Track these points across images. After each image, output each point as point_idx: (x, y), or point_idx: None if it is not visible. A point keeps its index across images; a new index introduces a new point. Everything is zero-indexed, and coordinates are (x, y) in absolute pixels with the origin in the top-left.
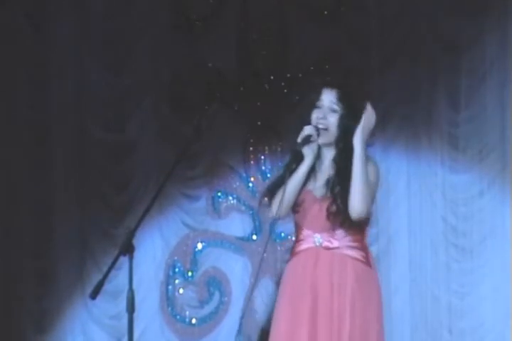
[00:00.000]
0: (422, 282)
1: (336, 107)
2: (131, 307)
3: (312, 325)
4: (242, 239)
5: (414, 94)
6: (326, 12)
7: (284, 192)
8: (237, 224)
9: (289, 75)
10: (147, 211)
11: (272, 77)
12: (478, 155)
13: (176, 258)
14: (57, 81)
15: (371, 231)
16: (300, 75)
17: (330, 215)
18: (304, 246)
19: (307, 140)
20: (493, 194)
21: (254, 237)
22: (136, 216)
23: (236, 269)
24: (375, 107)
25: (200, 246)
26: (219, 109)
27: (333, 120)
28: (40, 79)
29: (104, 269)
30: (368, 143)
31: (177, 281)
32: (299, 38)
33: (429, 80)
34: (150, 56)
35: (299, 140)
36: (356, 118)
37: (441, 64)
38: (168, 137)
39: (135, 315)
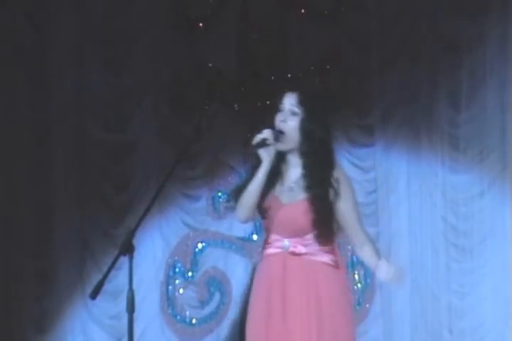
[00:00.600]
0: (422, 282)
1: (296, 110)
2: (131, 308)
3: (282, 329)
4: (242, 239)
5: (414, 94)
6: (326, 12)
7: (245, 197)
8: (237, 224)
9: (289, 75)
10: (147, 211)
11: (272, 77)
12: (479, 155)
13: (176, 258)
14: (58, 81)
15: (372, 231)
16: (300, 75)
17: (298, 221)
18: (271, 250)
19: (262, 143)
20: (494, 194)
21: (255, 237)
22: (136, 216)
23: (236, 269)
24: (375, 107)
25: (200, 246)
26: (219, 109)
27: (292, 124)
28: (40, 79)
29: (104, 269)
30: (368, 143)
31: (177, 281)
32: (299, 38)
33: (430, 80)
34: (150, 56)
35: (254, 143)
36: (317, 122)
37: (441, 64)
38: (168, 137)
39: (135, 315)
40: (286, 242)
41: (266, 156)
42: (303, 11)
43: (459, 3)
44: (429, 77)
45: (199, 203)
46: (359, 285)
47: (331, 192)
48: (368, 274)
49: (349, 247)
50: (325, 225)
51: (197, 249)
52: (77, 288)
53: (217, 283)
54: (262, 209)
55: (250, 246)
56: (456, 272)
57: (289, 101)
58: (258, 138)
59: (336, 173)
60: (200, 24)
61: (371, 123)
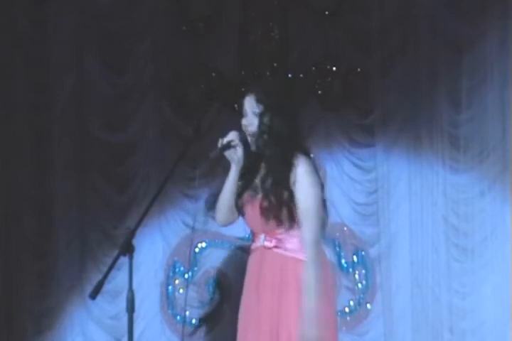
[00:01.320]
0: (423, 282)
1: (256, 110)
2: (131, 308)
3: (256, 324)
4: (242, 239)
5: (414, 94)
6: (326, 12)
7: (220, 200)
8: (237, 224)
9: (290, 75)
10: (147, 211)
11: (272, 77)
12: (479, 155)
13: (176, 258)
14: (58, 81)
15: (372, 231)
16: (301, 75)
17: (263, 211)
18: (253, 246)
19: (227, 145)
20: (494, 194)
21: None
22: (136, 216)
23: (236, 269)
24: (375, 107)
25: (200, 246)
26: (219, 109)
27: (257, 123)
28: (40, 79)
29: (104, 269)
30: (368, 143)
31: (177, 281)
32: (299, 38)
33: (430, 81)
34: (150, 56)
35: (219, 145)
36: (275, 117)
37: (441, 64)
38: (169, 137)
39: (135, 315)
40: (262, 237)
41: (233, 158)
42: (303, 11)
43: (459, 3)
44: (429, 77)
45: (199, 203)
46: (359, 285)
47: (291, 177)
48: (369, 274)
49: (349, 247)
50: (282, 218)
51: (197, 249)
52: (76, 288)
53: (217, 283)
54: (238, 208)
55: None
56: (457, 272)
57: (249, 104)
58: (224, 140)
59: (295, 162)
60: (201, 24)
61: (371, 124)
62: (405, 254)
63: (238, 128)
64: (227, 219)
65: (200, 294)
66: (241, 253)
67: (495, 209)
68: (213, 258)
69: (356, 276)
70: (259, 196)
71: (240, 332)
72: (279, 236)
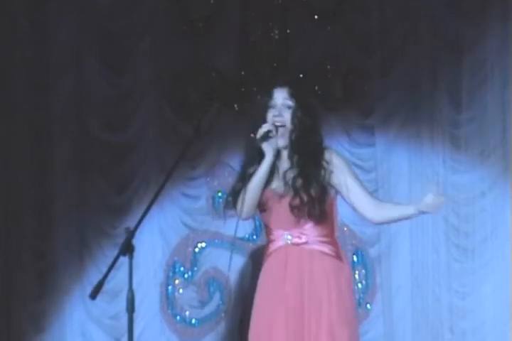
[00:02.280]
0: (423, 282)
1: (290, 103)
2: (131, 308)
3: (287, 324)
4: (242, 239)
5: (415, 94)
6: (326, 12)
7: (246, 191)
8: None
9: (289, 76)
10: (147, 211)
11: (272, 77)
12: (480, 155)
13: (176, 258)
14: (58, 81)
15: (372, 231)
16: (301, 75)
17: (294, 209)
18: (275, 245)
19: (266, 136)
20: (495, 194)
21: (255, 237)
22: (136, 216)
23: (236, 269)
24: (376, 107)
25: (200, 246)
26: (220, 109)
27: (288, 117)
28: (40, 79)
29: (104, 269)
30: (369, 143)
31: (177, 281)
32: (299, 38)
33: (430, 81)
34: (151, 56)
35: (258, 136)
36: (307, 112)
37: (441, 64)
38: (168, 137)
39: (135, 315)
40: (287, 235)
41: (269, 149)
42: (303, 11)
43: (459, 3)
44: (429, 77)
45: (199, 203)
46: (360, 285)
47: (323, 174)
48: (369, 274)
49: (349, 247)
50: (315, 215)
51: (197, 249)
52: (76, 288)
53: (217, 283)
54: (260, 204)
55: (250, 246)
56: (458, 272)
57: (281, 96)
58: (261, 131)
59: (327, 156)
60: (201, 24)
61: (372, 124)
62: (405, 254)
63: (238, 128)
64: (251, 212)
65: (200, 294)
66: (241, 254)
67: (495, 210)
68: (213, 258)
69: (356, 276)
70: (287, 193)
71: (259, 331)
72: (306, 232)
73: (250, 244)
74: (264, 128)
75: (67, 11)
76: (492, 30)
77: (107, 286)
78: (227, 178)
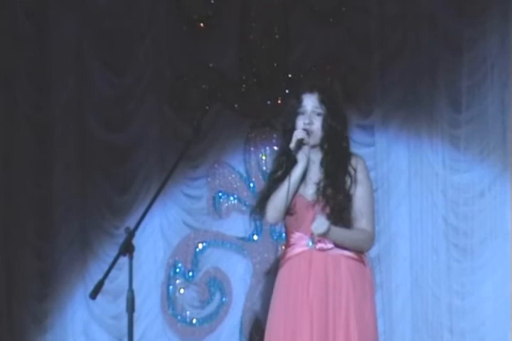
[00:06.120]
0: (422, 282)
1: (319, 110)
2: (131, 308)
3: (310, 328)
4: (243, 239)
5: (414, 94)
6: (327, 12)
7: (276, 196)
8: (238, 225)
9: (290, 76)
10: (147, 211)
11: (272, 77)
12: (480, 155)
13: (177, 258)
14: (58, 81)
15: None
16: (301, 76)
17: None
18: (296, 250)
19: (300, 144)
20: (494, 194)
21: (255, 237)
22: (137, 216)
23: (237, 269)
24: (375, 107)
25: (201, 246)
26: (220, 109)
27: (319, 124)
28: (41, 79)
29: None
30: (368, 143)
31: (178, 281)
32: (299, 38)
33: (430, 81)
34: (151, 56)
35: (292, 145)
36: (336, 118)
37: (441, 64)
38: (169, 137)
39: (136, 315)
40: (309, 240)
41: (303, 157)
42: (303, 11)
43: (459, 3)
44: (429, 77)
45: (200, 203)
46: None
47: (348, 180)
48: None
49: None
50: (341, 220)
51: (198, 249)
52: (78, 288)
53: (217, 284)
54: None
55: (251, 247)
56: (457, 272)
57: (311, 103)
58: (295, 139)
59: (353, 162)
60: (201, 24)
61: (371, 123)
62: (405, 254)
63: (237, 128)
64: (280, 217)
65: (201, 294)
66: (242, 254)
67: (495, 209)
68: (214, 258)
69: None
70: (316, 199)
71: (278, 336)
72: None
73: (251, 244)
74: (298, 136)
75: (67, 11)
76: (492, 30)
77: (109, 286)
78: (227, 178)
